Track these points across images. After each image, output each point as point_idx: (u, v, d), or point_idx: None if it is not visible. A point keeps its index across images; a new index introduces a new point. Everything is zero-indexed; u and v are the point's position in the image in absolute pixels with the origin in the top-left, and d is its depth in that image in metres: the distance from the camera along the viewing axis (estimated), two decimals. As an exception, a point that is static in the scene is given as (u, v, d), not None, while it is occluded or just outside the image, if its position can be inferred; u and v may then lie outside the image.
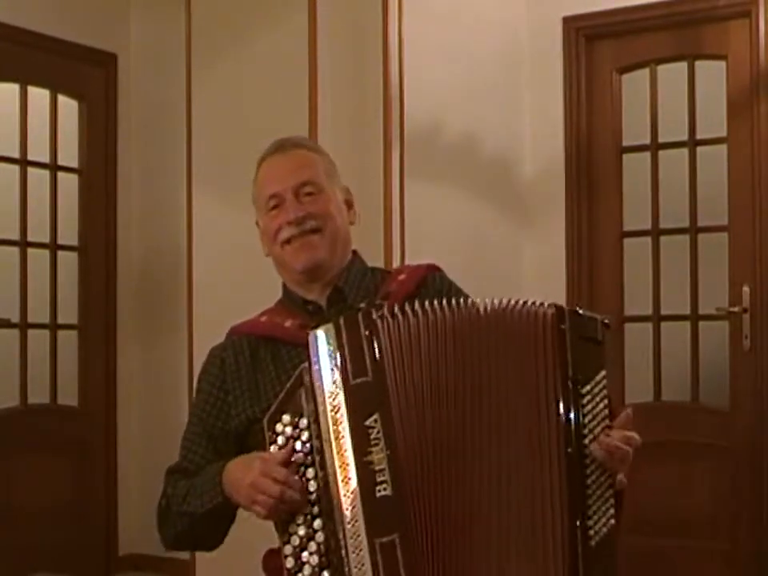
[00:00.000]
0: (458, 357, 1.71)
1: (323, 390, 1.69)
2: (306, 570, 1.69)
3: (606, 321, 1.79)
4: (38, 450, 4.85)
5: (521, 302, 1.76)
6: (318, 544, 1.69)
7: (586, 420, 1.71)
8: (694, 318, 4.48)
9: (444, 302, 1.75)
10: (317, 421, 1.69)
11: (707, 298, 4.45)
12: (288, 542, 1.72)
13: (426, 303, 1.75)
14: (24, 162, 4.93)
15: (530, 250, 4.74)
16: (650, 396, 4.54)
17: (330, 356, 1.70)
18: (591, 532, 1.67)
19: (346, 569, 1.63)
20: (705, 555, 4.36)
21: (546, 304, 1.76)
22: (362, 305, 1.88)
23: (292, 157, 2.05)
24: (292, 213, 1.99)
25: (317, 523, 1.69)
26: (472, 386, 1.70)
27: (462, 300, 1.77)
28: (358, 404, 1.67)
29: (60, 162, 5.08)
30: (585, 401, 1.71)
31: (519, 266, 4.71)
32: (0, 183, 4.91)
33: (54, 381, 5.02)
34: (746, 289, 4.34)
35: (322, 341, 1.71)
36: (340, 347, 1.69)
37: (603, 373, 1.75)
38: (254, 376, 1.99)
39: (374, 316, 1.72)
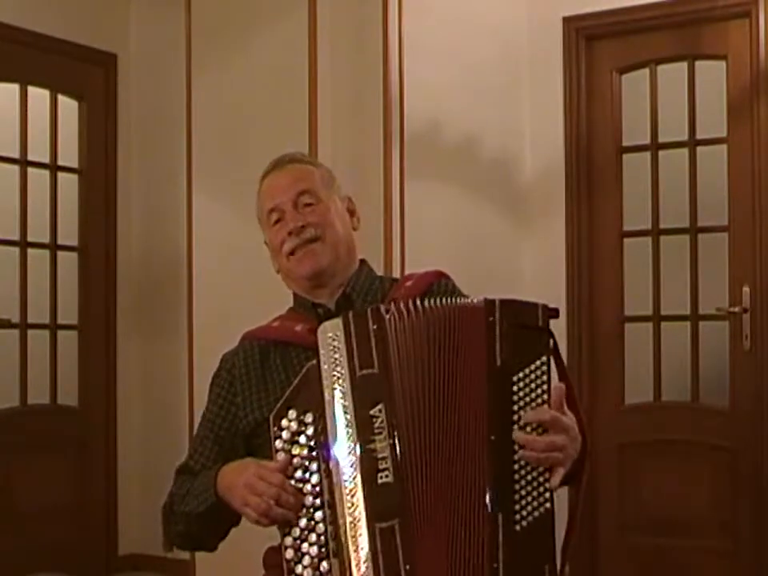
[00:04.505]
0: (425, 355, 1.76)
1: (330, 381, 1.74)
2: (306, 560, 1.73)
3: (552, 306, 1.81)
4: (38, 449, 4.85)
5: (461, 300, 1.85)
6: (319, 535, 1.72)
7: (515, 407, 1.73)
8: (694, 318, 4.48)
9: (430, 301, 1.81)
10: (322, 413, 1.74)
11: (707, 298, 4.45)
12: (288, 534, 1.75)
13: (418, 302, 1.80)
14: (24, 162, 4.93)
15: (530, 250, 4.74)
16: (649, 396, 4.53)
17: (337, 348, 1.75)
18: (517, 516, 1.70)
19: (346, 554, 1.68)
20: (705, 555, 4.36)
21: (479, 299, 1.82)
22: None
23: (289, 171, 2.12)
24: (291, 223, 2.05)
25: (318, 515, 1.73)
26: (433, 383, 1.76)
27: (433, 301, 1.82)
28: (364, 394, 1.73)
29: (60, 162, 5.08)
30: (515, 388, 1.74)
31: (519, 266, 4.70)
32: (0, 183, 4.91)
33: (54, 381, 5.02)
34: (746, 289, 4.34)
35: (330, 334, 1.77)
36: (348, 340, 1.75)
37: (543, 359, 1.77)
38: (263, 379, 2.03)
39: (383, 312, 1.78)
